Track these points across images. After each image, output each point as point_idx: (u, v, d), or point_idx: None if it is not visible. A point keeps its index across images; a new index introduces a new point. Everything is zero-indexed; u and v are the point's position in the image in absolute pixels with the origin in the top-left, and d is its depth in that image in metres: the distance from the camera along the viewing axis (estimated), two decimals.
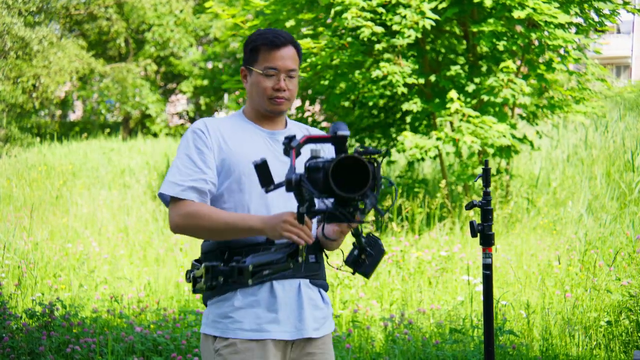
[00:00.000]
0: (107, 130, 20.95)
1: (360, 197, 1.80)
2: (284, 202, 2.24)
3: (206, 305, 2.35)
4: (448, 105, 7.62)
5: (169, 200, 2.29)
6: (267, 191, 1.95)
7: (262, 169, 1.94)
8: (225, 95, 23.14)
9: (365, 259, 2.24)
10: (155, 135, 21.51)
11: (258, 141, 2.33)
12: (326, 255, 2.38)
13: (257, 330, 2.25)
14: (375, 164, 1.84)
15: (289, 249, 2.07)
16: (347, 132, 1.88)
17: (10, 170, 12.27)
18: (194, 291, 2.06)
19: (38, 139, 17.49)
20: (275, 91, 2.28)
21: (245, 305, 2.24)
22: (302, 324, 2.30)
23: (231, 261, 1.88)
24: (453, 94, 7.60)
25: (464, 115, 7.64)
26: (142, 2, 20.59)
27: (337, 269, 2.21)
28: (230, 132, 2.32)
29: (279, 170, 2.23)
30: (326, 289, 2.42)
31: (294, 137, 1.93)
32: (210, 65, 23.09)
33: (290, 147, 1.91)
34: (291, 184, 1.81)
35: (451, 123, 8.41)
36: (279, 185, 1.92)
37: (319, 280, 2.36)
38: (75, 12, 21.40)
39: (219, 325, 2.27)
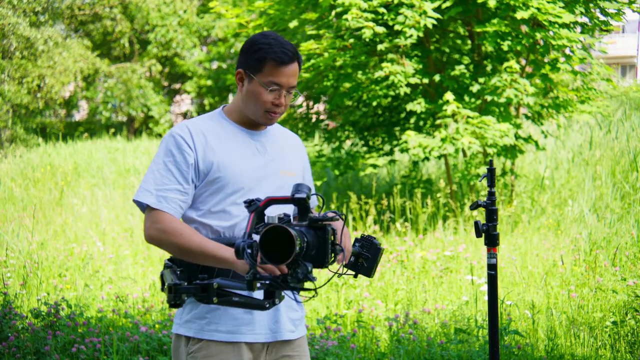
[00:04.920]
0: (112, 130, 20.98)
1: (290, 266, 1.82)
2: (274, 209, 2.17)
3: None
4: (444, 108, 7.61)
5: (145, 208, 2.24)
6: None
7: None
8: (230, 96, 23.14)
9: (363, 262, 2.26)
10: (160, 135, 21.53)
11: (241, 142, 2.32)
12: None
13: (232, 332, 2.23)
14: (332, 230, 1.85)
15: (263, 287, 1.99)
16: (303, 195, 1.91)
17: (15, 170, 12.29)
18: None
19: (41, 139, 17.49)
20: (274, 106, 2.27)
21: (222, 306, 2.19)
22: (277, 326, 2.29)
23: (196, 279, 1.90)
24: (449, 95, 7.58)
25: (462, 116, 7.63)
26: (146, 2, 20.61)
27: (339, 275, 2.22)
28: (214, 135, 2.30)
29: (260, 166, 2.29)
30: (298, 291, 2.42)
31: (253, 200, 1.94)
32: (214, 65, 23.10)
33: (250, 211, 1.94)
34: (238, 252, 1.82)
35: (455, 121, 8.41)
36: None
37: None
38: (80, 12, 21.44)
39: (193, 325, 2.24)
